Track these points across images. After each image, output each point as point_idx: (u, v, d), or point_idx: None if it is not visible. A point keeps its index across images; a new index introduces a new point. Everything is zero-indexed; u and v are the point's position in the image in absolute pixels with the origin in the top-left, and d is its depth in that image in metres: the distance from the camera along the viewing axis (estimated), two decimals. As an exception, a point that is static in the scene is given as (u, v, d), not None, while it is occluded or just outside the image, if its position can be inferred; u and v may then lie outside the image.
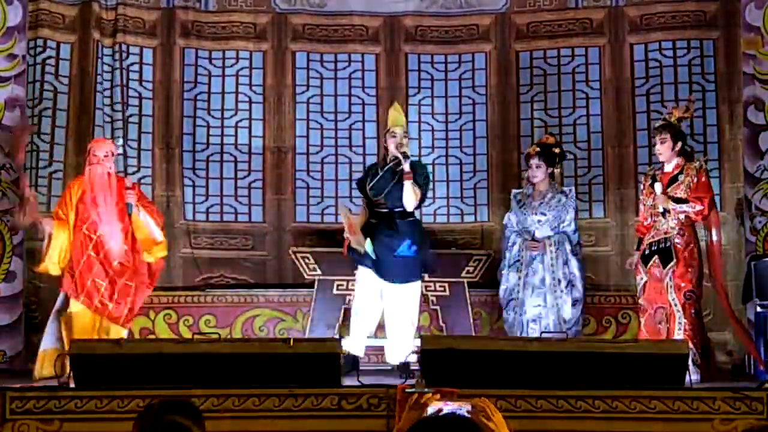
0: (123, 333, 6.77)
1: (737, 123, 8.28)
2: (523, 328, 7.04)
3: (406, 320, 6.89)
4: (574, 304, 7.07)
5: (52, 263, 6.72)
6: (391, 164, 6.95)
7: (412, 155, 7.07)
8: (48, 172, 8.38)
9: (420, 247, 6.92)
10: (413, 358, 6.57)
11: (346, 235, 6.91)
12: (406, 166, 6.80)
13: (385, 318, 6.95)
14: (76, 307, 6.67)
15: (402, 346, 6.86)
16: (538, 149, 7.29)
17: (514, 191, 7.55)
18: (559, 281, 7.05)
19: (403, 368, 6.66)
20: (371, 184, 6.95)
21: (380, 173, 6.98)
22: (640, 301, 7.01)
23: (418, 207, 7.18)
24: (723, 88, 8.51)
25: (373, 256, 6.81)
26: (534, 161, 7.25)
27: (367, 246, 6.77)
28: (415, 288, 6.92)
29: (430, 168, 7.86)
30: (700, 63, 8.64)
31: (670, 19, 8.71)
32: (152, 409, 3.03)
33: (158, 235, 6.88)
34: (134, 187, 6.91)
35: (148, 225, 6.83)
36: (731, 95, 8.39)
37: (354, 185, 8.05)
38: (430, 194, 8.86)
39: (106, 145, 6.99)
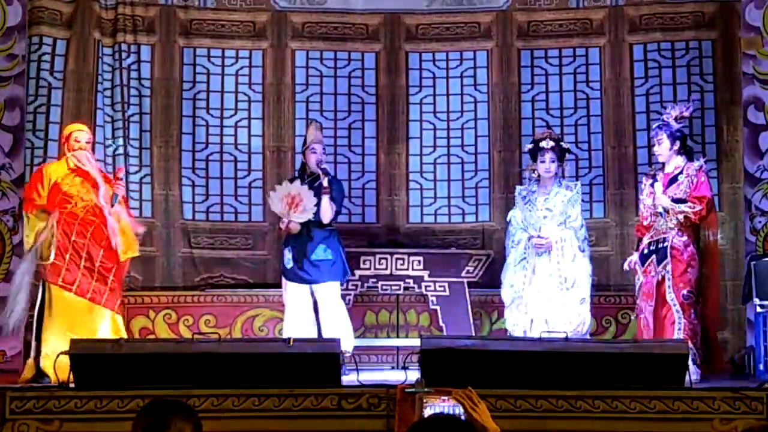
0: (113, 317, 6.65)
1: (734, 124, 8.27)
2: (529, 328, 6.97)
3: (336, 314, 7.28)
4: (580, 303, 7.03)
5: (45, 249, 6.62)
6: (309, 179, 7.40)
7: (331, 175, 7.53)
8: (42, 168, 8.35)
9: (337, 253, 7.37)
10: (350, 347, 7.00)
11: (286, 218, 7.24)
12: (325, 182, 7.28)
13: (320, 318, 7.34)
14: (66, 295, 6.57)
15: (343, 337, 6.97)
16: (552, 143, 7.22)
17: (518, 188, 7.51)
18: (566, 279, 7.00)
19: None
20: None
21: None
22: (638, 301, 7.01)
23: (335, 219, 7.49)
24: (721, 88, 8.48)
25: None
26: (549, 155, 7.16)
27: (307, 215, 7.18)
28: (335, 287, 7.35)
29: (345, 185, 8.17)
30: (699, 63, 8.63)
31: (669, 20, 8.70)
32: (151, 409, 3.03)
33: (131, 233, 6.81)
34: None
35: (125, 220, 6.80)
36: (729, 96, 8.38)
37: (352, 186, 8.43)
38: (431, 194, 8.91)
39: (86, 131, 6.95)
